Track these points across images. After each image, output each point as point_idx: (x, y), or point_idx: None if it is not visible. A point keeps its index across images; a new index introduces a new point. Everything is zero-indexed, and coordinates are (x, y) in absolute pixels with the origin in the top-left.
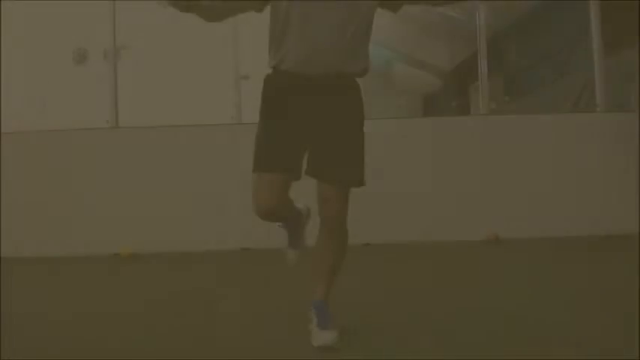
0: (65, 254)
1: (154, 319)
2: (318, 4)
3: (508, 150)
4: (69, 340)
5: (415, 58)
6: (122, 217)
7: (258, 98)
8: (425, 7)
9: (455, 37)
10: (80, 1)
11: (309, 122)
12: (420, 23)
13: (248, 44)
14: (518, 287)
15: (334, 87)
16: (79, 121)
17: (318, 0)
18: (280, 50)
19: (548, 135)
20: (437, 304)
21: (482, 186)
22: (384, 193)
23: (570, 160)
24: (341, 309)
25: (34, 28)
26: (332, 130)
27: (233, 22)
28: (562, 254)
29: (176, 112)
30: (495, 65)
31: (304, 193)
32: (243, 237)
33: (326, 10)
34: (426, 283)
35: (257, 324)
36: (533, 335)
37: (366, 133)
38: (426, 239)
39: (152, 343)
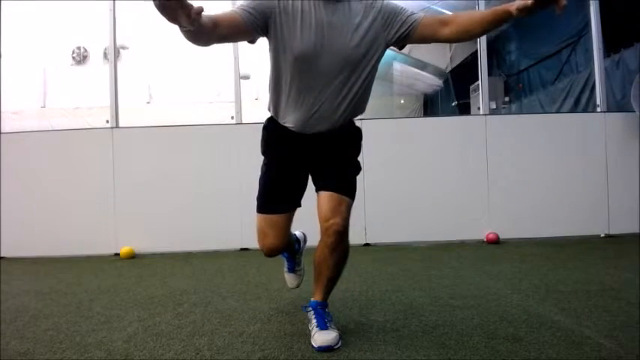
0: (65, 254)
1: (153, 319)
2: (322, 71)
3: (508, 150)
4: (69, 340)
5: (415, 58)
6: (122, 217)
7: (258, 98)
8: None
9: None
10: (80, 0)
11: (309, 160)
12: None
13: (248, 44)
14: (517, 287)
15: (333, 132)
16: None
17: (321, 67)
18: (280, 109)
19: (548, 135)
20: (436, 304)
21: (482, 186)
22: (384, 193)
23: (570, 160)
24: (341, 309)
25: (34, 28)
26: (330, 155)
27: None
28: (562, 254)
29: (176, 111)
30: (495, 65)
31: (306, 196)
32: (242, 237)
33: (329, 77)
34: (426, 283)
35: (256, 324)
36: (532, 335)
37: (366, 133)
38: (426, 239)
39: (152, 343)
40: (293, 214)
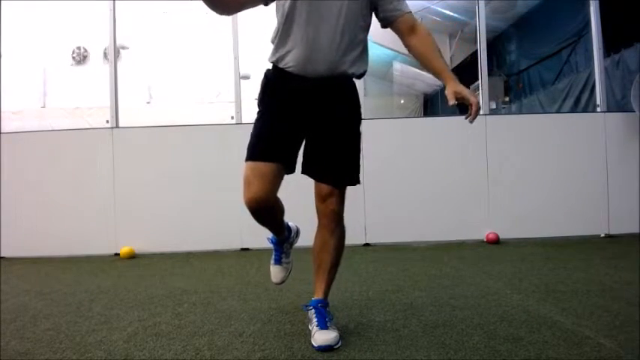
0: (65, 254)
1: (153, 319)
2: (322, 7)
3: (508, 150)
4: (69, 340)
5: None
6: (122, 217)
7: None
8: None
9: (455, 37)
10: (80, 0)
11: (306, 118)
12: None
13: (248, 44)
14: (517, 287)
15: (332, 86)
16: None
17: (322, 1)
18: (282, 49)
19: (548, 135)
20: (436, 304)
21: (481, 186)
22: (384, 193)
23: (570, 160)
24: (341, 309)
25: (34, 28)
26: (329, 128)
27: (233, 22)
28: (562, 254)
29: (176, 111)
30: (495, 65)
31: (302, 195)
32: (242, 237)
33: (329, 13)
34: (426, 283)
35: (256, 324)
36: (532, 335)
37: (366, 133)
38: (426, 239)
39: (152, 343)
40: (281, 174)
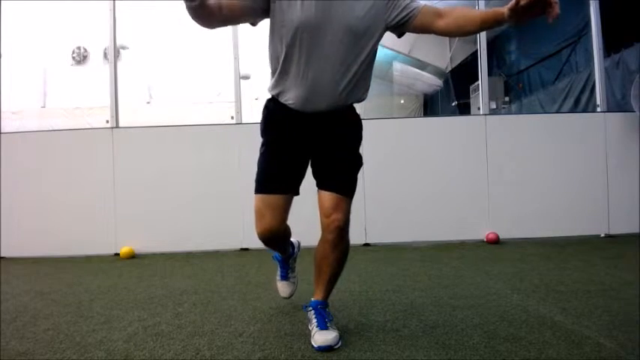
0: (65, 254)
1: (153, 319)
2: (324, 41)
3: (508, 150)
4: (69, 340)
5: (415, 58)
6: (122, 217)
7: (258, 98)
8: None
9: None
10: (80, 0)
11: (309, 144)
12: None
13: (248, 44)
14: (517, 287)
15: (333, 114)
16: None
17: (323, 36)
18: (281, 85)
19: (548, 135)
20: (436, 304)
21: (481, 186)
22: (384, 193)
23: (570, 160)
24: (341, 309)
25: (34, 28)
26: (331, 145)
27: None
28: (562, 254)
29: (176, 111)
30: (495, 65)
31: (302, 195)
32: (242, 237)
33: (331, 47)
34: (426, 283)
35: (256, 324)
36: (532, 335)
37: (366, 133)
38: (426, 239)
39: (152, 343)
40: (291, 201)
